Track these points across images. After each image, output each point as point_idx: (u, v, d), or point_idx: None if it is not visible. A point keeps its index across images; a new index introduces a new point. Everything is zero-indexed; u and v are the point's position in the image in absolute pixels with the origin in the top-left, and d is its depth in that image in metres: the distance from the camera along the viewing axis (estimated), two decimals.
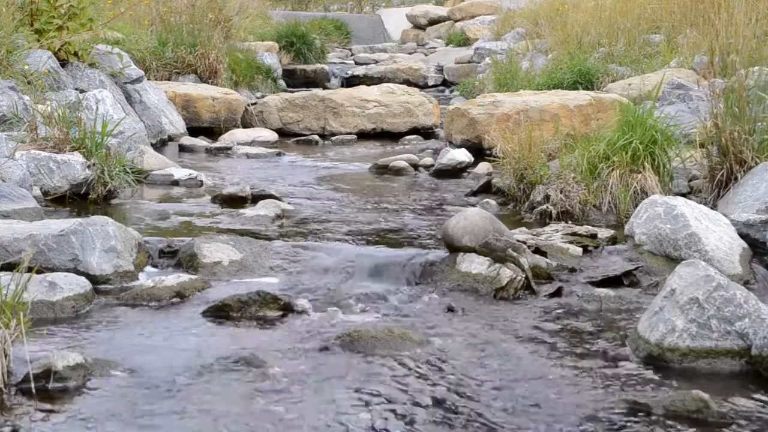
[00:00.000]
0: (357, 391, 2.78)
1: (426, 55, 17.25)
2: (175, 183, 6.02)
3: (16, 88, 5.91)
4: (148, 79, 8.45)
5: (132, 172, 5.38)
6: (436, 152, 7.45)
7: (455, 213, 4.22)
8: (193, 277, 3.79)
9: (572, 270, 4.03)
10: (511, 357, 3.10)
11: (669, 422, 2.59)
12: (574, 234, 4.40)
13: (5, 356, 2.64)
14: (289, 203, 5.38)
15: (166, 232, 4.56)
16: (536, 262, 3.94)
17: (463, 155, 6.75)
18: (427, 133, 9.08)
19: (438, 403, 2.72)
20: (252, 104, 9.27)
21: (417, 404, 2.70)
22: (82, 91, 6.76)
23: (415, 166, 6.93)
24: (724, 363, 3.01)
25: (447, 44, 18.44)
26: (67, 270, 3.66)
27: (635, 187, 4.96)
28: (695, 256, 3.88)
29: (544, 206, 4.96)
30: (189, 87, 9.10)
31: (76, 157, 5.21)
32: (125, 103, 7.39)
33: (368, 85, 10.27)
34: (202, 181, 6.07)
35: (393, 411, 2.65)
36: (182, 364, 2.94)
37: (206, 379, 2.84)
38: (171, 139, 8.01)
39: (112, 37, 8.26)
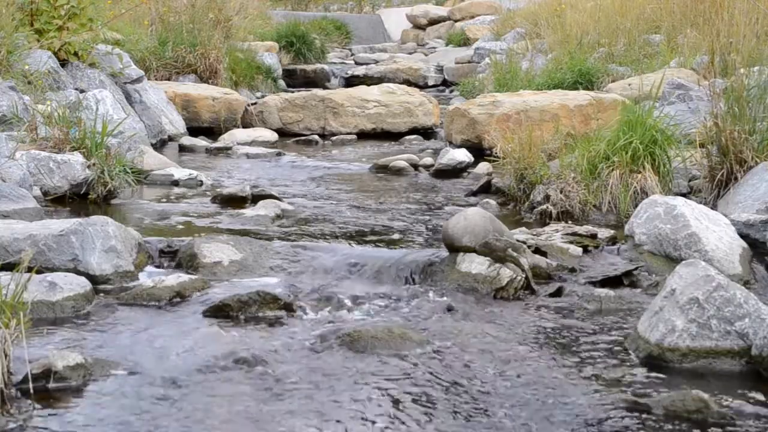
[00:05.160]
0: (357, 391, 2.78)
1: (426, 55, 17.26)
2: (175, 183, 6.02)
3: (16, 89, 5.91)
4: (148, 79, 8.46)
5: (132, 172, 5.37)
6: (436, 152, 7.46)
7: (455, 213, 4.22)
8: (193, 277, 3.79)
9: (572, 270, 4.03)
10: (510, 357, 3.10)
11: (669, 422, 2.59)
12: (574, 234, 4.40)
13: (5, 356, 2.64)
14: (289, 203, 5.38)
15: (166, 232, 4.56)
16: (536, 262, 3.94)
17: (463, 155, 6.75)
18: (427, 133, 9.08)
19: (438, 403, 2.72)
20: (252, 104, 9.27)
21: (417, 404, 2.70)
22: (82, 91, 6.77)
23: (415, 166, 6.93)
24: (724, 363, 3.01)
25: (447, 44, 18.45)
26: (67, 270, 3.66)
27: (635, 187, 4.96)
28: (695, 256, 3.88)
29: (544, 206, 4.96)
30: (189, 87, 9.11)
31: (76, 157, 5.21)
32: (125, 103, 7.40)
33: (368, 85, 10.27)
34: (202, 181, 6.07)
35: (393, 411, 2.65)
36: (182, 364, 2.94)
37: (206, 379, 2.84)
38: (171, 139, 8.01)
39: (112, 37, 8.26)
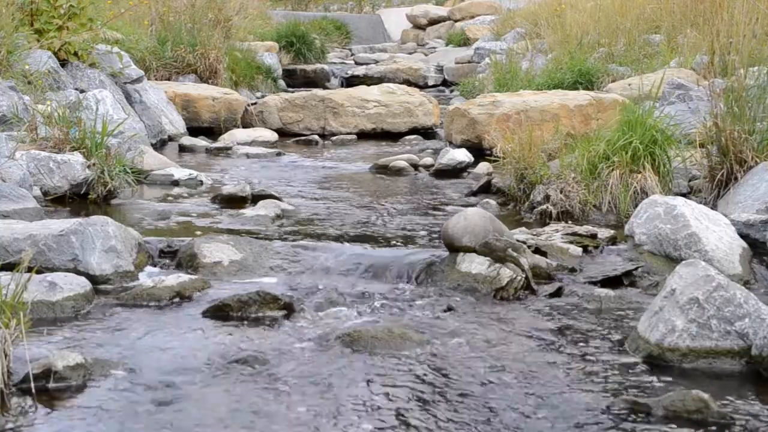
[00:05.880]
0: (357, 391, 2.78)
1: (426, 55, 17.26)
2: (175, 183, 6.03)
3: (16, 88, 5.91)
4: (148, 79, 8.46)
5: (132, 172, 5.38)
6: (436, 152, 7.45)
7: (455, 213, 4.22)
8: (193, 277, 3.79)
9: (572, 270, 4.03)
10: (510, 357, 3.10)
11: (669, 422, 2.59)
12: (574, 234, 4.40)
13: (5, 356, 2.64)
14: (289, 203, 5.38)
15: (166, 232, 4.56)
16: (536, 262, 3.94)
17: (463, 155, 6.75)
18: (427, 133, 9.08)
19: (438, 403, 2.72)
20: (252, 104, 9.27)
21: (417, 404, 2.70)
22: (82, 91, 6.77)
23: (415, 166, 6.93)
24: (724, 363, 3.01)
25: (447, 44, 18.46)
26: (67, 270, 3.66)
27: (635, 187, 4.96)
28: (695, 256, 3.88)
29: (544, 206, 4.96)
30: (189, 87, 9.11)
31: (76, 157, 5.21)
32: (125, 103, 7.40)
33: (368, 85, 10.27)
34: (202, 181, 6.07)
35: (393, 411, 2.65)
36: (182, 364, 2.94)
37: (206, 379, 2.84)
38: (171, 139, 8.01)
39: (112, 36, 8.27)
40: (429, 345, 3.19)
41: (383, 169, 6.85)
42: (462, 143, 7.29)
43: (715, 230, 4.06)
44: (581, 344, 3.25)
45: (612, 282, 3.92)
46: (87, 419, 2.53)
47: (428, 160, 7.08)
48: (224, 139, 8.27)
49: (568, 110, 7.11)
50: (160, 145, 7.65)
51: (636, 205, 4.52)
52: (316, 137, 8.76)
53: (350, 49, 18.34)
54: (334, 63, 15.31)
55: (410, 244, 4.48)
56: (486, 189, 5.76)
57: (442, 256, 4.01)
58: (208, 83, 9.65)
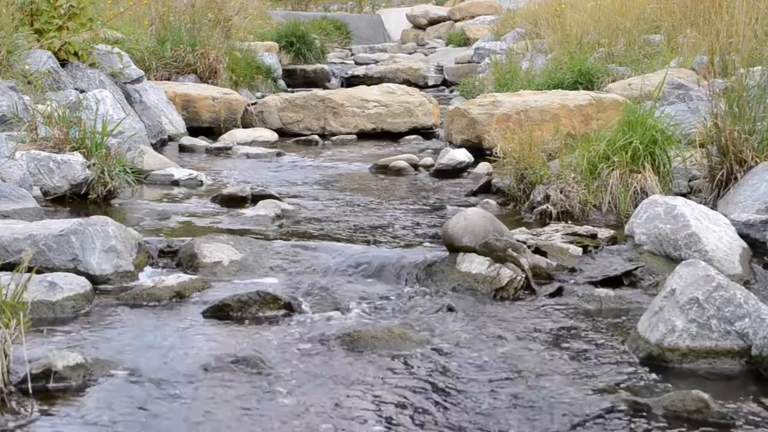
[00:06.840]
0: (357, 392, 2.78)
1: (426, 55, 17.27)
2: (175, 183, 6.03)
3: (16, 88, 5.91)
4: (148, 79, 8.46)
5: (132, 172, 5.38)
6: (436, 152, 7.46)
7: (455, 213, 4.22)
8: (193, 277, 3.79)
9: (572, 270, 4.03)
10: (510, 357, 3.10)
11: (669, 422, 2.59)
12: (574, 234, 4.40)
13: (5, 356, 2.64)
14: (289, 203, 5.38)
15: (166, 232, 4.56)
16: (536, 262, 3.94)
17: (463, 155, 6.75)
18: (427, 133, 9.09)
19: (438, 403, 2.72)
20: (252, 104, 9.27)
21: (417, 404, 2.70)
22: (82, 91, 6.77)
23: (415, 166, 6.93)
24: (724, 363, 3.01)
25: (447, 44, 18.47)
26: (67, 270, 3.66)
27: (635, 187, 4.96)
28: (695, 256, 3.88)
29: (544, 206, 4.96)
30: (189, 87, 9.11)
31: (76, 157, 5.21)
32: (125, 103, 7.40)
33: (368, 85, 10.27)
34: (202, 181, 6.07)
35: (393, 411, 2.65)
36: (182, 364, 2.94)
37: (206, 379, 2.84)
38: (171, 139, 8.02)
39: (112, 36, 8.27)
40: (429, 345, 3.19)
41: (383, 169, 6.85)
42: (462, 143, 7.29)
43: (715, 230, 4.06)
44: (581, 344, 3.25)
45: (612, 282, 3.92)
46: (87, 419, 2.53)
47: (428, 160, 7.08)
48: (224, 139, 8.27)
49: (568, 110, 7.11)
50: (160, 145, 7.66)
51: (636, 205, 4.52)
52: (316, 137, 8.76)
53: (350, 49, 18.35)
54: (334, 63, 15.32)
55: (410, 244, 4.48)
56: (486, 189, 5.76)
57: (442, 256, 4.01)
58: (208, 83, 9.66)
